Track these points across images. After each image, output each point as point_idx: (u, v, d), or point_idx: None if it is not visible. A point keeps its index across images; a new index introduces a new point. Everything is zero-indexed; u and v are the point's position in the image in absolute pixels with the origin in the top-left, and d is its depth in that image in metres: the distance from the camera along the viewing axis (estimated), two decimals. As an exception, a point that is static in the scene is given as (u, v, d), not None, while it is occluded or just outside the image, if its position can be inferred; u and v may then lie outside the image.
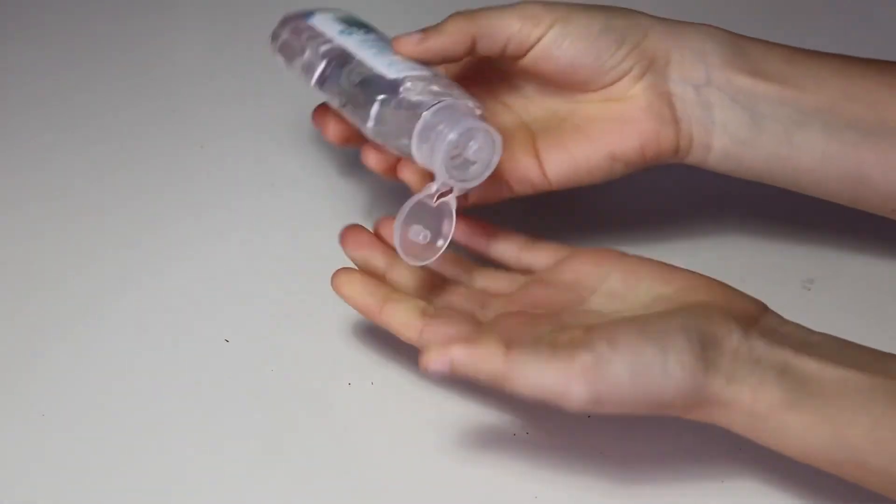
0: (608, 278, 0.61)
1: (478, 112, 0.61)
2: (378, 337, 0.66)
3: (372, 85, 0.62)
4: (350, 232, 0.65)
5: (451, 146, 0.59)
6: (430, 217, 0.61)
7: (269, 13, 0.97)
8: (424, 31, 0.64)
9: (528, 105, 0.68)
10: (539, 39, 0.63)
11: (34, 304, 0.70)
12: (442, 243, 0.62)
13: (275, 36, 0.70)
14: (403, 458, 0.61)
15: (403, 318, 0.60)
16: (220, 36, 0.97)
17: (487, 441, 0.62)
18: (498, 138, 0.60)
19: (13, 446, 0.62)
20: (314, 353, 0.67)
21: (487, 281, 0.65)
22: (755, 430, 0.55)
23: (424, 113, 0.60)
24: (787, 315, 0.68)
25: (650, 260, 0.62)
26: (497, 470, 0.60)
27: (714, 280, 0.60)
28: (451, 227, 0.61)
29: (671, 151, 0.65)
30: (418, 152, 0.60)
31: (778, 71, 0.65)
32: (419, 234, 0.61)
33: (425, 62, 0.64)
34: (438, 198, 0.61)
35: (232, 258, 0.74)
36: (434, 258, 0.62)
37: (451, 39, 0.63)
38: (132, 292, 0.71)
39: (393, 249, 0.62)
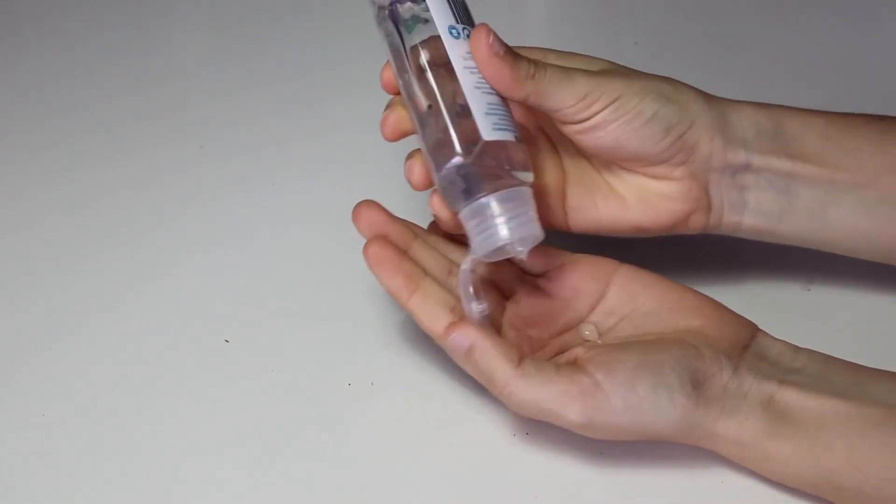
0: (606, 294, 0.62)
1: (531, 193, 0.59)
2: (378, 337, 0.66)
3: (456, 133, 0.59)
4: (364, 210, 0.62)
5: (497, 251, 0.58)
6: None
7: (269, 12, 0.98)
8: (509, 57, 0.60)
9: (572, 150, 0.65)
10: (587, 119, 0.61)
11: (34, 303, 0.70)
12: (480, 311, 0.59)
13: None
14: (403, 458, 0.61)
15: (433, 310, 0.60)
16: (220, 36, 0.96)
17: (487, 441, 0.62)
18: (540, 236, 0.59)
19: (13, 446, 0.62)
20: (314, 353, 0.67)
21: (490, 271, 0.64)
22: (740, 457, 0.59)
23: (488, 199, 0.58)
24: (787, 315, 0.69)
25: (644, 272, 0.63)
26: (497, 470, 0.60)
27: (706, 300, 0.62)
28: (478, 298, 0.59)
29: (699, 229, 0.66)
30: (465, 221, 0.59)
31: (815, 150, 0.64)
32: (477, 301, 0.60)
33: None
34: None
35: (232, 258, 0.73)
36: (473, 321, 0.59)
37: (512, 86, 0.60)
38: (132, 292, 0.71)
39: (409, 228, 0.62)
